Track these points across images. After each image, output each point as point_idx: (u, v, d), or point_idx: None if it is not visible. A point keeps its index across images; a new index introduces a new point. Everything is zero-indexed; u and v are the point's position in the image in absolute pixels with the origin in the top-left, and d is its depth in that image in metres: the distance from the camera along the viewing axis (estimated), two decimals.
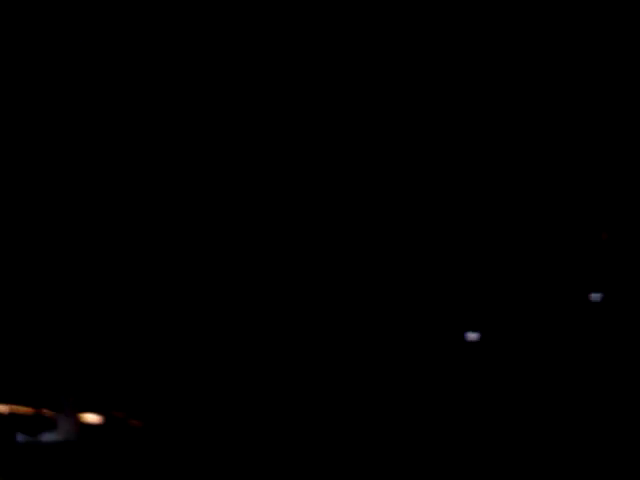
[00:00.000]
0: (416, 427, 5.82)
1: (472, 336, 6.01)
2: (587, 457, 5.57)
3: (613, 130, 6.03)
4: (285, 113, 6.06)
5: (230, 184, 6.02)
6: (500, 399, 5.85)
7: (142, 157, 5.91)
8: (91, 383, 5.85)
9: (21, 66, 5.76)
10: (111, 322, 5.89)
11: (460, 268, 6.00)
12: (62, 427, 5.55)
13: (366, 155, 6.09)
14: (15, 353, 5.74)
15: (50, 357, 5.81)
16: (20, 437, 5.61)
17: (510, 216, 6.03)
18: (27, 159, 5.79)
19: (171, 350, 5.95)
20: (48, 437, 5.65)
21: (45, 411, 5.70)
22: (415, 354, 5.95)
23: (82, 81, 5.87)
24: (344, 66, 6.02)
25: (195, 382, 5.93)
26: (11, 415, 5.62)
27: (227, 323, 5.94)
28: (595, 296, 5.94)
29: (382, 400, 5.89)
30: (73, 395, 5.78)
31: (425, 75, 6.03)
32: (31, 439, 5.61)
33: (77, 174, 5.84)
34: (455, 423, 5.83)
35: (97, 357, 5.87)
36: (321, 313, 5.96)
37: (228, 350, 5.96)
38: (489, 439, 5.76)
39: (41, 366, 5.78)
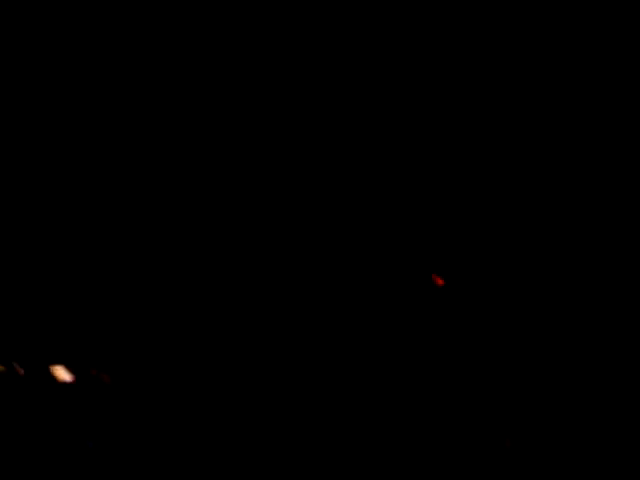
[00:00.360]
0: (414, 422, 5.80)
1: None
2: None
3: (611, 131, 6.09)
4: (285, 113, 6.13)
5: (230, 184, 6.08)
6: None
7: (142, 157, 5.97)
8: (63, 338, 5.79)
9: (21, 66, 5.82)
10: (90, 277, 5.86)
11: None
12: None
13: (366, 155, 6.16)
14: None
15: (23, 311, 5.76)
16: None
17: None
18: (27, 159, 5.83)
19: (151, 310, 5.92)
20: None
21: (16, 366, 5.62)
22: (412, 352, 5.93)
23: (82, 81, 5.94)
24: (344, 66, 6.09)
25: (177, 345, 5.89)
26: None
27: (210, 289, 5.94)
28: None
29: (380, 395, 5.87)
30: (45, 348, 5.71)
31: (425, 75, 6.09)
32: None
33: (77, 174, 5.88)
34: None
35: (74, 310, 5.82)
36: (321, 310, 5.98)
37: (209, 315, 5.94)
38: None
39: (14, 321, 5.73)
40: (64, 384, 5.64)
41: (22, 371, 5.58)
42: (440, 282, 6.03)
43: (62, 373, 5.66)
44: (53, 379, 5.62)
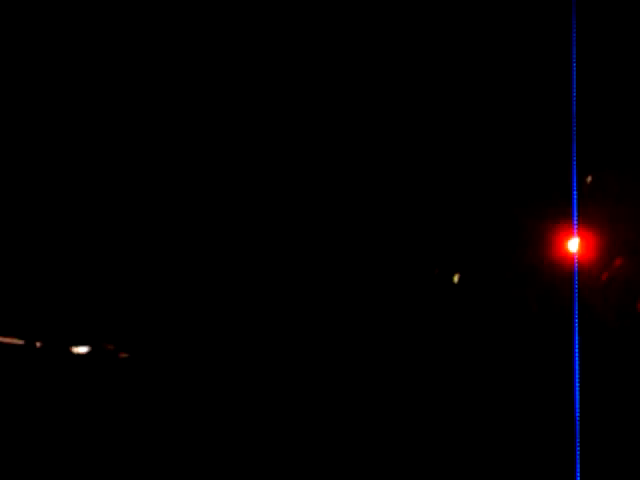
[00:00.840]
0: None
1: None
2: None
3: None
4: (285, 113, 6.08)
5: (230, 184, 6.07)
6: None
7: (142, 157, 5.97)
8: (82, 315, 5.93)
9: (21, 66, 5.80)
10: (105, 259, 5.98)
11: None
12: None
13: (366, 155, 6.12)
14: (9, 285, 5.83)
15: (43, 289, 5.90)
16: None
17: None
18: (27, 159, 5.86)
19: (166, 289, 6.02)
20: None
21: (37, 343, 5.79)
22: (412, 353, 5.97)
23: (82, 81, 5.91)
24: (344, 66, 5.97)
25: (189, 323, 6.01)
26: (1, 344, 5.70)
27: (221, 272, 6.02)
28: None
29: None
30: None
31: (425, 75, 5.99)
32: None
33: (77, 174, 5.91)
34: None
35: (91, 290, 5.95)
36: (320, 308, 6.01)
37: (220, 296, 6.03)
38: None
39: (33, 298, 5.87)
40: (80, 355, 5.81)
41: (39, 344, 5.75)
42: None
43: (78, 347, 5.82)
44: (69, 351, 5.80)
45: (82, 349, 5.85)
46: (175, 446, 5.73)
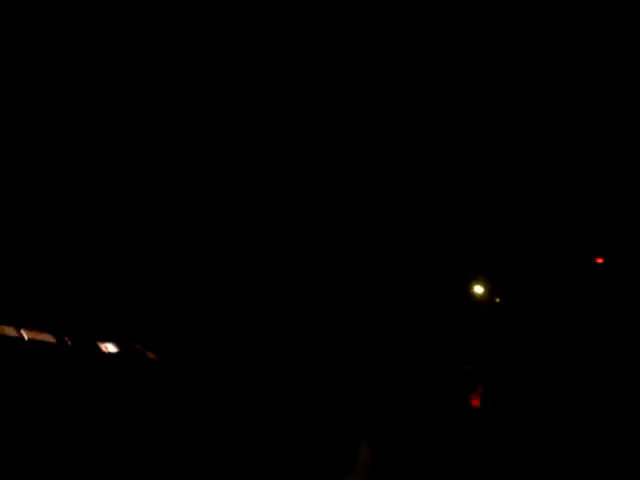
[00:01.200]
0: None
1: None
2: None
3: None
4: (285, 113, 6.17)
5: (230, 184, 6.16)
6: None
7: (142, 157, 6.06)
8: (111, 315, 6.08)
9: (21, 66, 5.89)
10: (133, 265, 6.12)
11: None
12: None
13: (366, 155, 6.21)
14: (41, 284, 5.99)
15: (75, 289, 6.05)
16: None
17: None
18: (27, 159, 5.96)
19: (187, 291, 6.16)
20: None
21: (67, 339, 5.94)
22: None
23: (82, 81, 5.99)
24: (344, 67, 6.07)
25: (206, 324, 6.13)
26: (33, 341, 5.85)
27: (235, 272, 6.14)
28: None
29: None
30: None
31: (425, 75, 6.17)
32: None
33: (77, 174, 6.01)
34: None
35: (119, 291, 6.10)
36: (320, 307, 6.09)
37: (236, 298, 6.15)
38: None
39: (66, 297, 6.03)
40: (109, 354, 5.96)
41: (70, 342, 5.90)
42: None
43: (108, 345, 5.98)
44: (99, 350, 5.94)
45: (111, 348, 6.01)
46: (199, 442, 5.84)
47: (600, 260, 5.81)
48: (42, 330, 5.91)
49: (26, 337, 5.81)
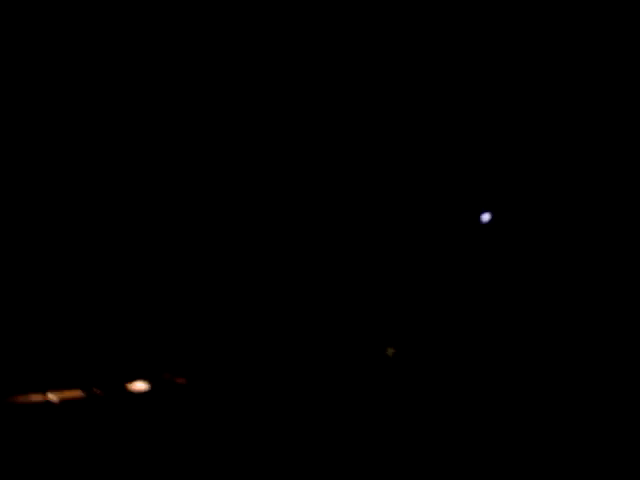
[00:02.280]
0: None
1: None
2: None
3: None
4: (285, 113, 6.10)
5: (230, 184, 6.11)
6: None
7: (142, 157, 6.01)
8: (137, 352, 6.02)
9: (21, 66, 5.82)
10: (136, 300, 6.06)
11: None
12: None
13: (366, 155, 6.13)
14: (57, 335, 5.92)
15: (89, 335, 5.98)
16: None
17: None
18: (27, 159, 5.91)
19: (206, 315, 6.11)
20: None
21: (96, 390, 5.87)
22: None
23: (82, 81, 5.94)
24: (344, 67, 6.17)
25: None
26: (63, 402, 5.79)
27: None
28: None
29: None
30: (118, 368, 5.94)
31: (425, 75, 6.15)
32: None
33: (77, 174, 5.96)
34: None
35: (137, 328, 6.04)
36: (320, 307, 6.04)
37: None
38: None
39: (81, 347, 5.96)
40: (141, 394, 5.89)
41: (100, 392, 5.84)
42: None
43: (138, 385, 5.91)
44: (129, 392, 5.88)
45: (141, 386, 5.94)
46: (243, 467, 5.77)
47: None
48: (67, 388, 5.85)
49: (54, 399, 5.75)
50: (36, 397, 5.72)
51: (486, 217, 6.03)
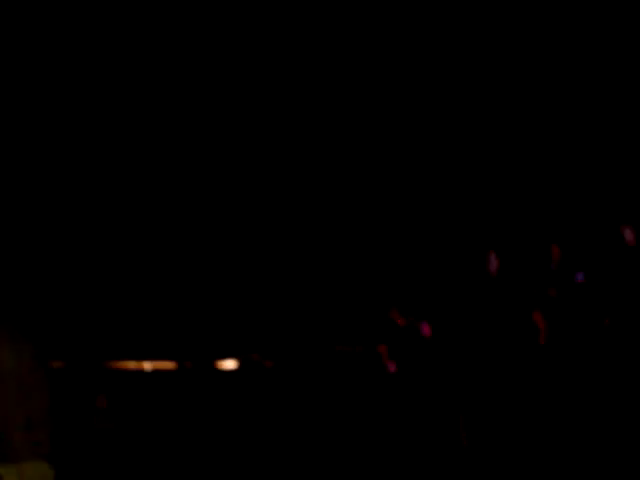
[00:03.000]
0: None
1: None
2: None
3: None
4: (285, 113, 5.81)
5: (230, 184, 5.98)
6: None
7: (142, 157, 5.94)
8: (227, 332, 6.30)
9: (21, 66, 5.83)
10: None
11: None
12: None
13: (366, 156, 5.77)
14: (153, 310, 6.30)
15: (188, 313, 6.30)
16: None
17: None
18: (27, 159, 5.98)
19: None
20: None
21: (188, 364, 6.30)
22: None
23: (82, 81, 5.89)
24: (344, 67, 5.92)
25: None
26: (156, 371, 6.29)
27: None
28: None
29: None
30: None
31: (425, 75, 5.86)
32: None
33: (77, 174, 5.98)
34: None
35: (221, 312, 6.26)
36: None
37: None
38: None
39: (177, 322, 6.31)
40: (229, 371, 6.27)
41: (190, 364, 6.25)
42: None
43: (227, 362, 6.26)
44: (218, 369, 6.26)
45: (229, 363, 6.29)
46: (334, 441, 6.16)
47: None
48: (161, 359, 6.29)
49: (148, 368, 6.24)
50: (133, 364, 6.25)
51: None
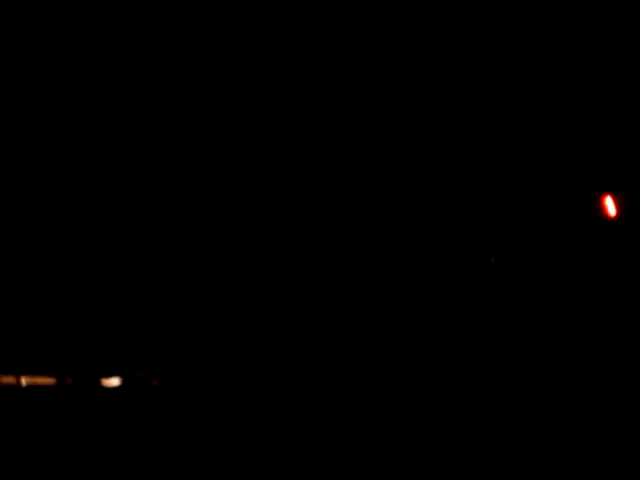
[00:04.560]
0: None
1: None
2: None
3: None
4: (285, 113, 5.96)
5: (230, 184, 5.91)
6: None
7: (142, 157, 5.82)
8: (111, 348, 6.03)
9: (21, 66, 5.65)
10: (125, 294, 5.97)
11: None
12: None
13: (366, 156, 5.94)
14: (37, 322, 5.99)
15: (70, 326, 6.02)
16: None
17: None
18: (27, 159, 5.81)
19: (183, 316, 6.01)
20: None
21: (69, 380, 6.00)
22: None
23: (82, 81, 5.75)
24: (344, 67, 5.91)
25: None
26: (32, 386, 5.97)
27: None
28: None
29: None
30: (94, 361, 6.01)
31: (425, 75, 5.89)
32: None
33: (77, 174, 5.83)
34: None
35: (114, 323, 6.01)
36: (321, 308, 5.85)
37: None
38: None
39: (61, 334, 6.02)
40: (112, 388, 6.00)
41: (71, 380, 5.95)
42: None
43: (109, 380, 5.99)
44: (101, 385, 5.98)
45: (114, 381, 6.01)
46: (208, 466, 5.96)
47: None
48: (42, 374, 5.98)
49: (24, 383, 5.92)
50: (8, 379, 5.91)
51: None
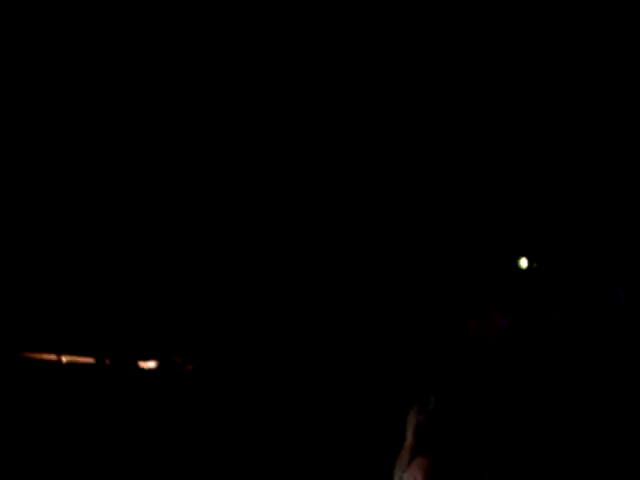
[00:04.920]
0: None
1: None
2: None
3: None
4: (285, 113, 5.90)
5: (230, 184, 5.95)
6: None
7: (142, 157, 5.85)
8: (150, 333, 6.20)
9: (21, 66, 5.62)
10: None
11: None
12: None
13: (366, 156, 5.92)
14: (76, 304, 6.13)
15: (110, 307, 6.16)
16: None
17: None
18: (27, 159, 5.83)
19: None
20: None
21: (107, 361, 6.17)
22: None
23: (82, 81, 5.72)
24: (344, 67, 5.86)
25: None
26: (72, 365, 6.14)
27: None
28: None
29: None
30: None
31: (425, 75, 5.85)
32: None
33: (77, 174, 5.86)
34: None
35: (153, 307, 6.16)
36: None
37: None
38: None
39: (100, 315, 6.16)
40: (149, 370, 6.19)
41: (109, 361, 6.13)
42: None
43: (146, 362, 6.18)
44: (138, 367, 6.17)
45: (151, 364, 6.21)
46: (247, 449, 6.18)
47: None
48: (79, 352, 6.14)
49: (65, 361, 6.09)
50: (50, 356, 6.08)
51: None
